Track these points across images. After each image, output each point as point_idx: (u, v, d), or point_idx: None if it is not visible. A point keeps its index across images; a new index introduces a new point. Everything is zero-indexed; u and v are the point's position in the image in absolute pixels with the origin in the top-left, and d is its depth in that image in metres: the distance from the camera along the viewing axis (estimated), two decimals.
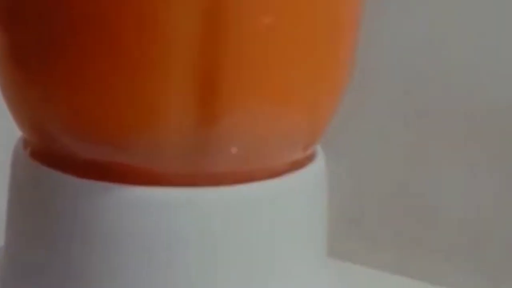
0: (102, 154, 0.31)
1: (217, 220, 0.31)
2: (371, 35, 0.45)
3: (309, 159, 0.35)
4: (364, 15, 0.34)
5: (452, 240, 0.46)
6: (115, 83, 0.30)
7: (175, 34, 0.30)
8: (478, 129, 0.45)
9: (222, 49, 0.30)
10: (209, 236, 0.31)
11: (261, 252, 0.32)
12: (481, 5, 0.45)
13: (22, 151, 0.33)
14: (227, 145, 0.31)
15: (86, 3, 0.30)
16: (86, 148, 0.31)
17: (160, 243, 0.31)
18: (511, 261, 0.45)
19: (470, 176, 0.45)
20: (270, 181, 0.32)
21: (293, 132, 0.33)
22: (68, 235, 0.32)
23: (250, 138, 0.31)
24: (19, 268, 0.34)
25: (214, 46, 0.30)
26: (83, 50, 0.30)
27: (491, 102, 0.45)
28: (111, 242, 0.31)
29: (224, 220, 0.31)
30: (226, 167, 0.31)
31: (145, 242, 0.31)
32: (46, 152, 0.32)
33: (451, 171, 0.46)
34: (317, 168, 0.34)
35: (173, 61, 0.30)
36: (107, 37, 0.30)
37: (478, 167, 0.45)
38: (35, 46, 0.31)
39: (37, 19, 0.31)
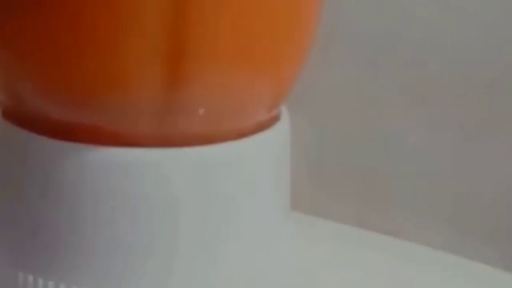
0: (71, 115, 0.32)
1: (182, 180, 0.32)
2: None
3: (274, 119, 0.36)
4: None
5: (412, 193, 0.48)
6: (84, 45, 0.31)
7: None
8: (437, 86, 0.46)
9: (189, 12, 0.31)
10: (173, 196, 0.32)
11: (226, 212, 0.33)
12: None
13: None
14: (194, 107, 0.32)
15: None
16: (55, 109, 0.32)
17: (124, 203, 0.32)
18: (465, 211, 0.46)
19: (428, 129, 0.47)
20: (236, 142, 0.33)
21: (258, 93, 0.34)
22: (37, 193, 0.32)
23: (216, 99, 0.32)
24: None
25: (180, 9, 0.31)
26: (53, 11, 0.31)
27: (451, 62, 0.46)
28: (78, 200, 0.32)
29: (189, 180, 0.32)
30: (193, 128, 0.32)
31: (110, 201, 0.32)
32: (17, 113, 0.33)
33: (408, 125, 0.47)
34: (282, 129, 0.36)
35: (141, 23, 0.31)
36: None
37: (435, 122, 0.47)
38: (5, 8, 0.32)
39: None
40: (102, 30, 0.31)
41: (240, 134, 0.34)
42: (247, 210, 0.34)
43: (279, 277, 0.36)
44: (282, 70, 0.35)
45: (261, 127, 0.35)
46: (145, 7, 0.30)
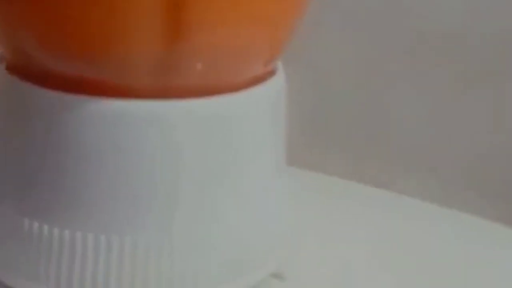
0: (74, 69, 0.33)
1: (182, 130, 0.33)
2: None
3: (270, 74, 0.37)
4: None
5: (405, 147, 0.49)
6: (86, 1, 0.32)
7: None
8: (430, 46, 0.47)
9: None
10: (174, 145, 0.33)
11: (224, 162, 0.34)
12: None
13: None
14: (193, 60, 0.33)
15: None
16: (58, 63, 0.33)
17: (126, 152, 0.33)
18: (459, 163, 0.48)
19: (421, 86, 0.48)
20: (234, 94, 0.34)
21: (254, 48, 0.35)
22: (41, 144, 0.34)
23: (214, 53, 0.33)
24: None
25: None
26: None
27: (443, 24, 0.47)
28: (80, 150, 0.33)
29: (188, 130, 0.33)
30: (192, 81, 0.33)
31: (112, 151, 0.33)
32: (22, 67, 0.34)
33: (401, 83, 0.48)
34: (277, 83, 0.37)
35: None
36: None
37: (428, 78, 0.48)
38: None
39: None
40: None
41: (238, 87, 0.35)
42: (245, 160, 0.35)
43: (275, 226, 0.37)
44: (278, 25, 0.36)
45: (257, 81, 0.36)
46: None
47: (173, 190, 0.34)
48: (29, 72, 0.34)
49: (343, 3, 0.49)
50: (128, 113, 0.33)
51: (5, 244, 0.35)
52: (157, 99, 0.33)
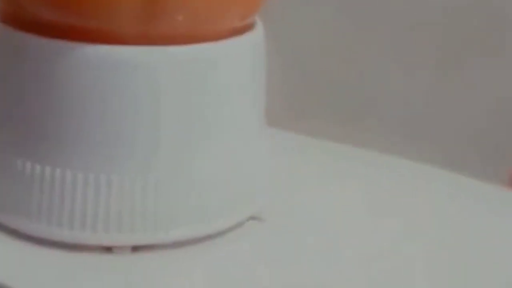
0: (62, 16, 0.35)
1: (163, 76, 0.35)
2: None
3: (249, 27, 0.39)
4: None
5: (387, 114, 0.51)
6: None
7: None
8: (414, 27, 0.50)
9: None
10: (155, 91, 0.36)
11: (204, 108, 0.37)
12: None
13: None
14: (173, 8, 0.35)
15: None
16: (47, 11, 0.35)
17: (111, 96, 0.35)
18: (434, 132, 0.50)
19: (404, 67, 0.50)
20: (214, 43, 0.37)
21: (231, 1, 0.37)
22: (33, 88, 0.36)
23: (194, 4, 0.36)
24: None
25: None
26: None
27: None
28: (69, 94, 0.35)
29: (170, 76, 0.36)
30: (174, 29, 0.36)
31: (98, 94, 0.35)
32: (14, 17, 0.37)
33: (386, 58, 0.51)
34: (255, 36, 0.39)
35: None
36: None
37: (413, 58, 0.50)
38: None
39: None
40: None
41: (218, 37, 0.37)
42: (224, 107, 0.37)
43: (254, 172, 0.40)
44: None
45: (237, 32, 0.38)
46: None
47: (155, 132, 0.36)
48: (20, 21, 0.36)
49: None
50: (113, 58, 0.35)
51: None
52: (142, 45, 0.35)
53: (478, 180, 0.46)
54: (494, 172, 0.48)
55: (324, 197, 0.44)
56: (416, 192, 0.45)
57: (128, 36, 0.35)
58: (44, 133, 0.36)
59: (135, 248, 0.37)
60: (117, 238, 0.36)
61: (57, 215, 0.36)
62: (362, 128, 0.51)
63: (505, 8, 0.48)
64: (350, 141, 0.50)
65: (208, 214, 0.38)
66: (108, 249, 0.37)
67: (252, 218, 0.40)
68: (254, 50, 0.39)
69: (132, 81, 0.35)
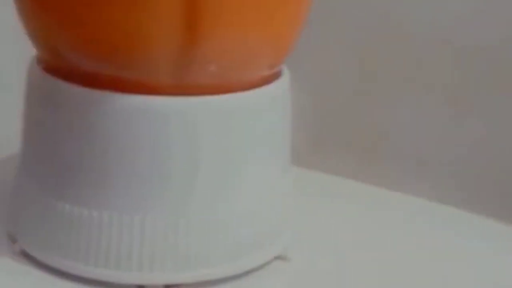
0: (103, 68, 0.37)
1: (196, 124, 0.37)
2: None
3: (276, 76, 0.41)
4: None
5: (404, 152, 0.53)
6: (112, 10, 0.36)
7: None
8: (431, 59, 0.51)
9: None
10: (189, 138, 0.38)
11: (236, 153, 0.39)
12: None
13: (36, 66, 0.40)
14: (207, 61, 0.37)
15: None
16: (85, 62, 0.37)
17: (147, 144, 0.37)
18: (454, 172, 0.51)
19: (422, 96, 0.52)
20: (244, 92, 0.39)
21: (260, 53, 0.39)
22: (71, 136, 0.38)
23: (226, 54, 0.38)
24: (33, 168, 0.40)
25: None
26: None
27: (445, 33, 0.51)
28: (106, 142, 0.37)
29: (203, 124, 0.38)
30: (206, 80, 0.38)
31: (134, 143, 0.37)
32: (56, 67, 0.39)
33: (402, 94, 0.52)
34: (283, 83, 0.41)
35: None
36: None
37: (429, 87, 0.52)
38: None
39: None
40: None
41: (248, 87, 0.39)
42: (255, 152, 0.39)
43: (281, 214, 0.42)
44: (280, 33, 0.40)
45: (265, 81, 0.40)
46: None
47: (190, 178, 0.38)
48: (63, 72, 0.38)
49: (344, 14, 0.53)
50: (148, 107, 0.37)
51: (36, 224, 0.39)
52: (175, 96, 0.37)
53: (495, 219, 0.48)
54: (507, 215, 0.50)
55: (348, 235, 0.45)
56: (434, 232, 0.47)
57: (162, 86, 0.37)
58: (81, 177, 0.38)
59: (167, 287, 0.39)
60: (150, 277, 0.38)
61: (93, 254, 0.38)
62: (379, 164, 0.53)
63: None
64: (367, 176, 0.52)
65: (236, 254, 0.40)
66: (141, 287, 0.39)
67: (278, 257, 0.42)
68: (282, 96, 0.41)
69: (166, 129, 0.37)
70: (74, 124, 0.38)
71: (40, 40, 0.39)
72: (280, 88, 0.41)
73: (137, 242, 0.38)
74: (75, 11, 0.37)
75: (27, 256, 0.40)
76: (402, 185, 0.51)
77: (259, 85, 0.40)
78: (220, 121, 0.38)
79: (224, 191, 0.39)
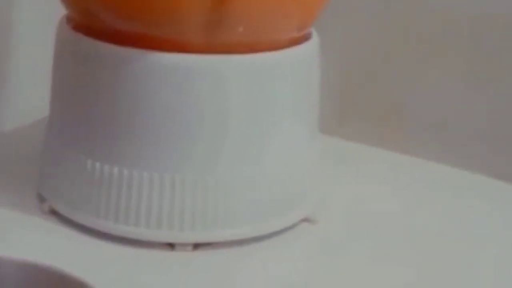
0: (135, 26, 0.37)
1: (226, 82, 0.38)
2: None
3: (305, 38, 0.41)
4: None
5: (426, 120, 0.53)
6: None
7: None
8: (451, 30, 0.52)
9: None
10: (219, 96, 0.38)
11: (266, 112, 0.39)
12: None
13: (65, 25, 0.40)
14: (236, 21, 0.37)
15: None
16: (118, 21, 0.38)
17: (180, 101, 0.37)
18: (475, 137, 0.52)
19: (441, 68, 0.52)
20: (273, 52, 0.39)
21: (289, 13, 0.39)
22: (105, 93, 0.38)
23: (254, 15, 0.38)
24: (62, 127, 0.40)
25: None
26: None
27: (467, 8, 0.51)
28: (140, 99, 0.38)
29: (232, 82, 0.38)
30: (236, 39, 0.38)
31: (167, 100, 0.37)
32: (86, 26, 0.39)
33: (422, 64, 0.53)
34: (311, 46, 0.41)
35: None
36: None
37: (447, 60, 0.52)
38: None
39: None
40: None
41: (277, 47, 0.39)
42: (283, 113, 0.40)
43: (308, 177, 0.42)
44: None
45: (294, 43, 0.40)
46: None
47: (219, 137, 0.38)
48: (93, 30, 0.38)
49: None
50: (179, 65, 0.37)
51: (68, 183, 0.39)
52: (205, 54, 0.37)
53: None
54: None
55: (372, 202, 0.45)
56: (459, 199, 0.47)
57: (192, 44, 0.37)
58: (112, 135, 0.38)
59: (196, 246, 0.39)
60: (179, 235, 0.38)
61: (124, 212, 0.38)
62: (402, 132, 0.53)
63: None
64: (392, 144, 0.52)
65: (264, 215, 0.40)
66: (171, 246, 0.39)
67: (305, 220, 0.42)
68: (310, 59, 0.41)
69: (196, 87, 0.37)
70: (103, 82, 0.38)
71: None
72: (308, 50, 0.41)
73: (167, 201, 0.38)
74: None
75: (56, 215, 0.40)
76: (424, 152, 0.51)
77: (288, 46, 0.40)
78: (249, 79, 0.38)
79: (252, 151, 0.39)
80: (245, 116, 0.38)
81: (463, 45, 0.51)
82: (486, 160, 0.51)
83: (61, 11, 0.41)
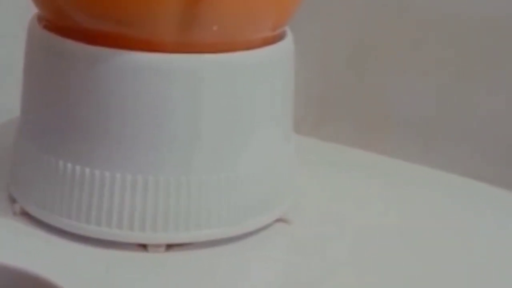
0: (106, 26, 0.37)
1: (199, 82, 0.37)
2: None
3: (280, 37, 0.41)
4: None
5: (406, 121, 0.53)
6: None
7: None
8: (434, 29, 0.51)
9: None
10: (191, 96, 0.37)
11: (238, 115, 0.38)
12: None
13: (37, 24, 0.39)
14: (210, 20, 0.37)
15: None
16: (93, 21, 0.37)
17: (152, 101, 0.37)
18: (455, 140, 0.51)
19: (425, 64, 0.52)
20: (246, 51, 0.38)
21: (263, 13, 0.39)
22: (73, 94, 0.38)
23: (228, 15, 0.37)
24: (33, 127, 0.40)
25: None
26: None
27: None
28: (109, 100, 0.37)
29: (206, 82, 0.37)
30: (209, 38, 0.37)
31: (139, 100, 0.37)
32: (58, 25, 0.38)
33: (405, 66, 0.52)
34: (285, 45, 0.41)
35: None
36: None
37: (433, 55, 0.52)
38: None
39: None
40: None
41: (251, 46, 0.39)
42: (258, 113, 0.39)
43: (282, 178, 0.41)
44: None
45: (268, 42, 0.40)
46: None
47: (193, 138, 0.38)
48: (64, 30, 0.38)
49: None
50: (151, 65, 0.37)
51: (40, 184, 0.39)
52: (178, 53, 0.37)
53: (500, 187, 0.48)
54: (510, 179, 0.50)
55: (348, 201, 0.45)
56: (434, 198, 0.47)
57: (165, 44, 0.37)
58: (84, 136, 0.38)
59: (169, 246, 0.38)
60: (152, 236, 0.38)
61: (96, 213, 0.38)
62: (381, 133, 0.53)
63: None
64: (368, 145, 0.52)
65: (238, 215, 0.39)
66: (143, 247, 0.38)
67: (279, 220, 0.42)
68: (285, 58, 0.41)
69: (169, 87, 0.37)
70: (75, 82, 0.38)
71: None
72: (282, 49, 0.41)
73: (139, 202, 0.38)
74: None
75: (27, 216, 0.40)
76: (404, 153, 0.51)
77: (262, 46, 0.39)
78: (223, 79, 0.38)
79: (227, 152, 0.39)
80: (219, 116, 0.38)
81: (447, 44, 0.51)
82: (469, 161, 0.51)
83: (33, 10, 0.40)
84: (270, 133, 0.40)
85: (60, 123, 0.38)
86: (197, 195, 0.38)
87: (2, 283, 0.31)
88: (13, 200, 0.41)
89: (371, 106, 0.53)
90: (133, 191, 0.37)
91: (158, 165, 0.38)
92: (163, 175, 0.38)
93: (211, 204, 0.38)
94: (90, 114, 0.37)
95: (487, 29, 0.50)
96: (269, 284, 0.38)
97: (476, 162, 0.50)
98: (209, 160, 0.38)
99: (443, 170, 0.49)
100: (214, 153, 0.38)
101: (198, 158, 0.38)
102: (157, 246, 0.38)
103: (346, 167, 0.50)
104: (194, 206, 0.38)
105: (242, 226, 0.40)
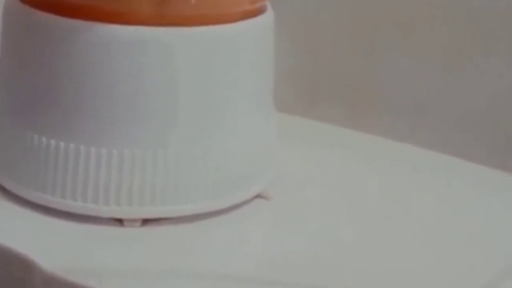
0: None
1: (177, 55, 0.37)
2: None
3: (260, 11, 0.41)
4: None
5: (395, 101, 0.52)
6: None
7: None
8: (425, 21, 0.51)
9: None
10: (168, 69, 0.37)
11: (215, 89, 0.38)
12: None
13: None
14: None
15: None
16: None
17: (127, 74, 0.37)
18: (445, 120, 0.51)
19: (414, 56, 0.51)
20: (225, 25, 0.38)
21: None
22: (48, 66, 0.37)
23: None
24: (7, 99, 0.40)
25: None
26: None
27: None
28: (84, 72, 0.37)
29: (183, 55, 0.37)
30: (187, 11, 0.37)
31: (112, 74, 0.37)
32: None
33: (394, 49, 0.52)
34: (265, 19, 0.40)
35: None
36: None
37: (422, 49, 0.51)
38: None
39: None
40: None
41: (230, 20, 0.38)
42: (236, 88, 0.39)
43: (262, 153, 0.41)
44: None
45: (248, 16, 0.39)
46: None
47: (169, 112, 0.37)
48: (39, 1, 0.37)
49: None
50: (126, 37, 0.36)
51: (15, 158, 0.39)
52: (155, 26, 0.37)
53: (490, 168, 0.48)
54: (500, 163, 0.49)
55: (330, 178, 0.45)
56: (418, 175, 0.47)
57: (141, 16, 0.37)
58: (59, 109, 0.37)
59: (146, 221, 0.38)
60: (128, 211, 0.38)
61: (71, 188, 0.37)
62: (369, 114, 0.52)
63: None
64: (356, 125, 0.51)
65: (216, 191, 0.39)
66: (119, 221, 0.38)
67: (259, 196, 0.41)
68: (264, 32, 0.40)
69: (145, 60, 0.37)
70: (49, 54, 0.37)
71: None
72: (261, 24, 0.40)
73: (115, 176, 0.37)
74: None
75: (2, 190, 0.39)
76: (395, 134, 0.51)
77: (241, 20, 0.39)
78: (199, 52, 0.37)
79: (204, 126, 0.38)
80: (196, 90, 0.38)
81: (439, 26, 0.51)
82: (459, 141, 0.50)
83: None
84: (248, 108, 0.40)
85: (35, 96, 0.38)
86: (174, 170, 0.38)
87: None
88: None
89: (362, 86, 0.53)
90: (108, 165, 0.37)
91: (133, 139, 0.37)
92: (139, 149, 0.37)
93: (188, 179, 0.38)
94: (65, 88, 0.37)
95: (479, 12, 0.49)
96: (247, 259, 0.38)
97: (467, 143, 0.50)
98: (186, 134, 0.38)
99: (432, 150, 0.49)
100: (191, 127, 0.38)
101: (174, 132, 0.37)
102: (133, 220, 0.38)
103: (333, 146, 0.49)
104: (171, 180, 0.38)
105: (220, 201, 0.39)
